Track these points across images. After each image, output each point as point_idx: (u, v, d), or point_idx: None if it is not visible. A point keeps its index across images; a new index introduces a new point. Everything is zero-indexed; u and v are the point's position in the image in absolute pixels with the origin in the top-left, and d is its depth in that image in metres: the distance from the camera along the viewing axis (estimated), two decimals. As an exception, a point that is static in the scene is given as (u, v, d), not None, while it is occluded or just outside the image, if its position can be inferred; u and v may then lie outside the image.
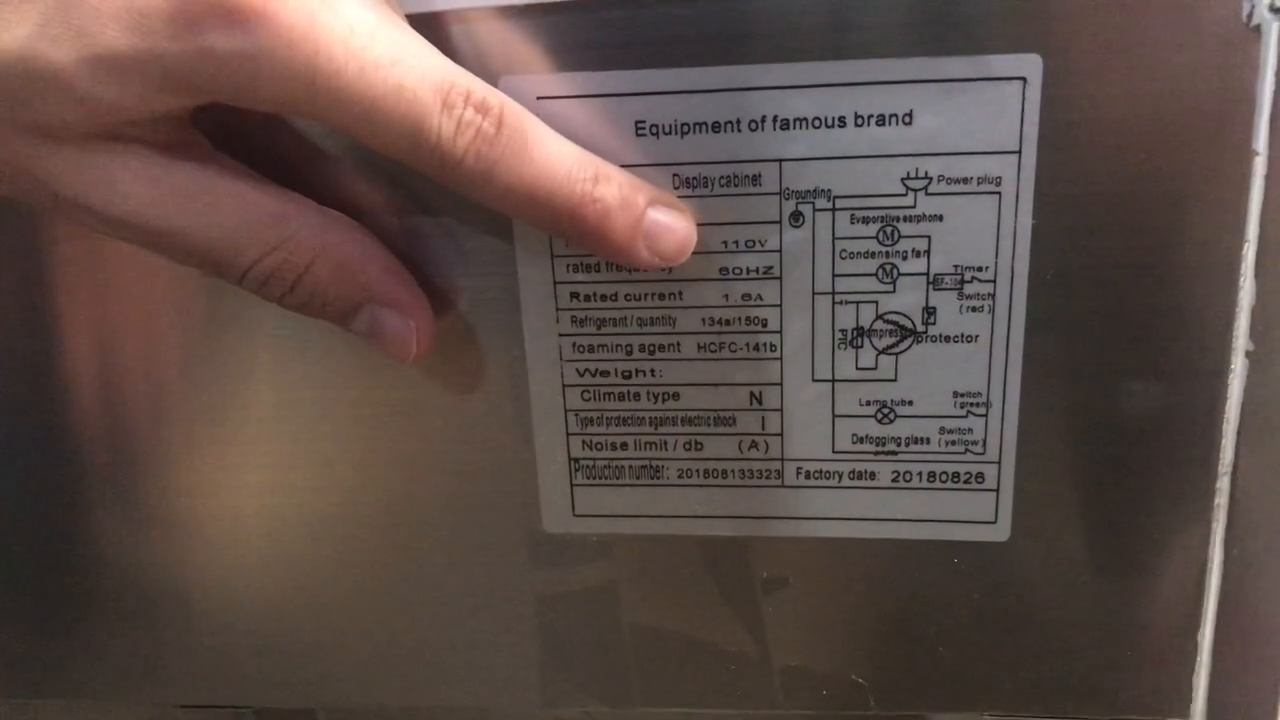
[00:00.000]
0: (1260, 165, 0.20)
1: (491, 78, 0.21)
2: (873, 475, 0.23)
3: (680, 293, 0.22)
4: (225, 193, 0.20)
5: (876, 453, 0.23)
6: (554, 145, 0.20)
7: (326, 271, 0.21)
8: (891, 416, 0.22)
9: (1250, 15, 0.19)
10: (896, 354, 0.22)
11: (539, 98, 0.21)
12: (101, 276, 0.24)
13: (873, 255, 0.21)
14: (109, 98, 0.18)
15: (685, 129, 0.21)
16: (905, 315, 0.22)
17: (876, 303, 0.22)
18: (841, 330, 0.22)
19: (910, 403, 0.22)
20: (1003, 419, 0.22)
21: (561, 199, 0.20)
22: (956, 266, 0.21)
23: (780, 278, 0.22)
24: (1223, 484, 0.22)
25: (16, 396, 0.25)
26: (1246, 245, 0.21)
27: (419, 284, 0.22)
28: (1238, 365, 0.21)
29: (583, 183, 0.20)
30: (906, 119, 0.20)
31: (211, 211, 0.20)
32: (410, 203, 0.22)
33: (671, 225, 0.21)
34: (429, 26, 0.20)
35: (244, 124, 0.21)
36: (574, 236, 0.20)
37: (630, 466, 0.24)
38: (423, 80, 0.18)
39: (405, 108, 0.18)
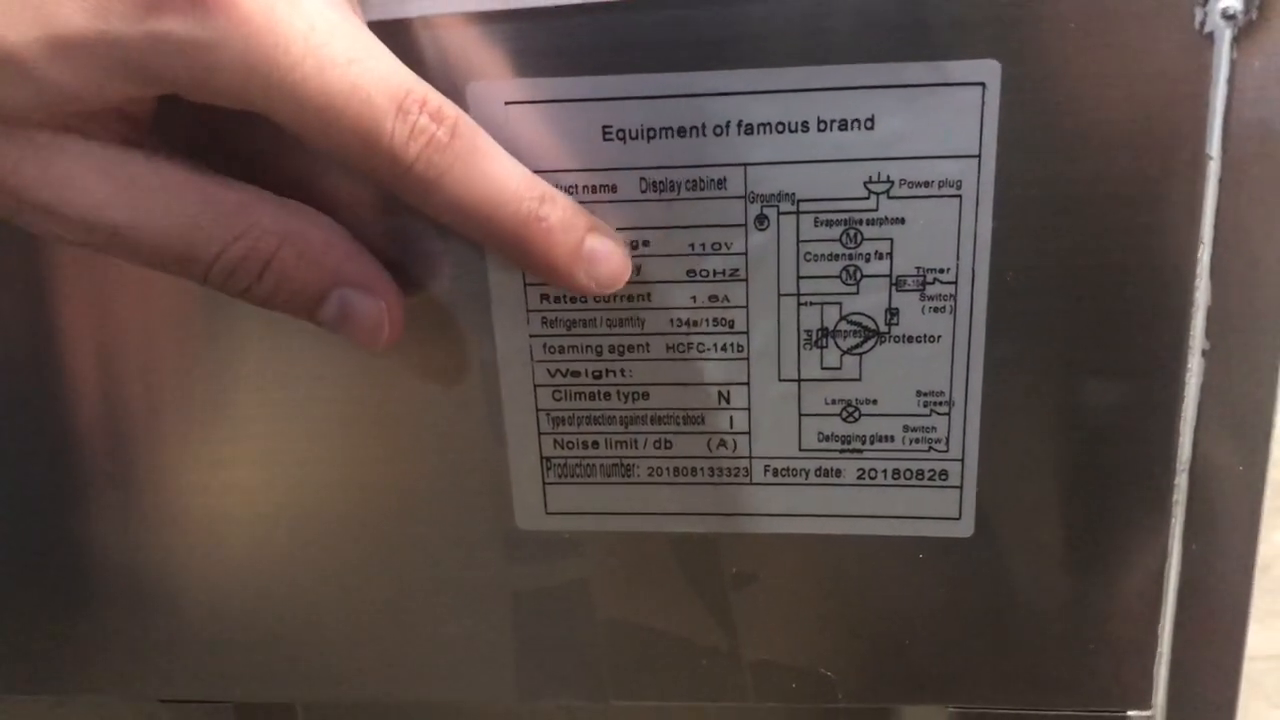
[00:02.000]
0: (1214, 169, 0.20)
1: (460, 83, 0.21)
2: (839, 473, 0.23)
3: (649, 294, 0.22)
4: (185, 185, 0.20)
5: (842, 450, 0.23)
6: (504, 162, 0.20)
7: (292, 256, 0.20)
8: (856, 415, 0.23)
9: (1203, 23, 0.19)
10: (860, 354, 0.22)
11: (507, 102, 0.21)
12: (97, 276, 0.24)
13: (836, 257, 0.22)
14: (65, 81, 0.18)
15: (651, 134, 0.21)
16: (869, 316, 0.22)
17: (840, 304, 0.22)
18: (807, 331, 0.22)
19: (874, 401, 0.23)
20: (965, 417, 0.23)
21: (508, 214, 0.20)
22: (918, 268, 0.22)
23: (746, 280, 0.22)
24: (1181, 480, 0.23)
25: (7, 393, 0.25)
26: (1201, 247, 0.21)
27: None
28: (1194, 364, 0.22)
29: (529, 200, 0.20)
30: (868, 123, 0.21)
31: (172, 204, 0.19)
32: (380, 206, 0.22)
33: (610, 253, 0.21)
34: (398, 32, 0.21)
35: (209, 125, 0.21)
36: (516, 254, 0.21)
37: (601, 465, 0.24)
38: (380, 82, 0.19)
39: (360, 107, 0.18)
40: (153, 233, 0.19)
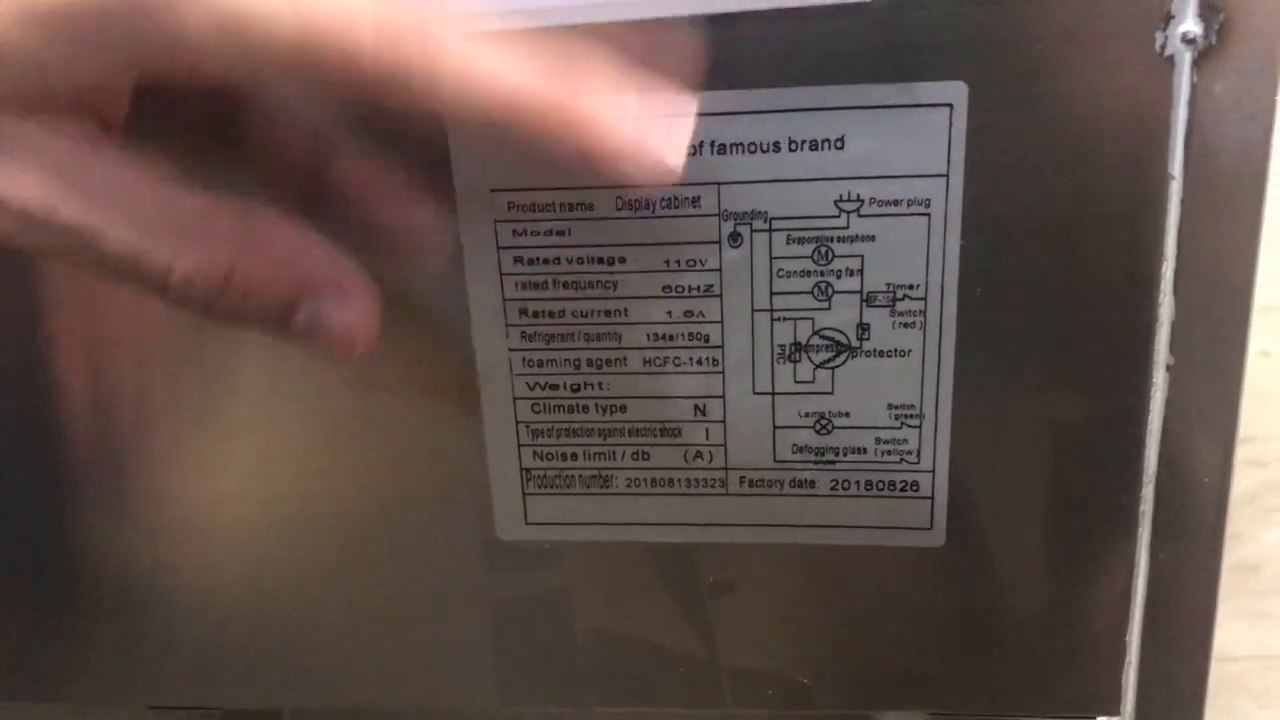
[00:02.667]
0: (1176, 188, 0.21)
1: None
2: (812, 484, 0.24)
3: (625, 309, 0.23)
4: (144, 191, 0.19)
5: (816, 462, 0.24)
6: (498, 44, 0.18)
7: (258, 264, 0.19)
8: (829, 428, 0.23)
9: (1164, 46, 0.20)
10: (833, 368, 0.23)
11: (486, 123, 0.22)
12: (90, 282, 0.24)
13: (808, 274, 0.22)
14: (27, 51, 0.17)
15: (627, 153, 0.22)
16: (840, 331, 0.23)
17: (813, 319, 0.23)
18: (780, 345, 0.23)
19: (847, 414, 0.23)
20: (935, 430, 0.23)
21: (533, 87, 0.18)
22: (889, 284, 0.22)
23: (720, 295, 0.23)
24: (1147, 491, 0.23)
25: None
26: (1165, 264, 0.21)
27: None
28: (1159, 378, 0.22)
29: (554, 74, 0.18)
30: (839, 144, 0.21)
31: (130, 210, 0.19)
32: (359, 218, 0.23)
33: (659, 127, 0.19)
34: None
35: (185, 127, 0.21)
36: (558, 132, 0.18)
37: (580, 476, 0.24)
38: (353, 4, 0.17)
39: (339, 28, 0.17)
40: (106, 239, 0.18)
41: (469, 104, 0.18)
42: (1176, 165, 0.21)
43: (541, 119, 0.18)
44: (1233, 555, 0.65)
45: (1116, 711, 0.25)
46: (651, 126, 0.19)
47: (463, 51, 0.18)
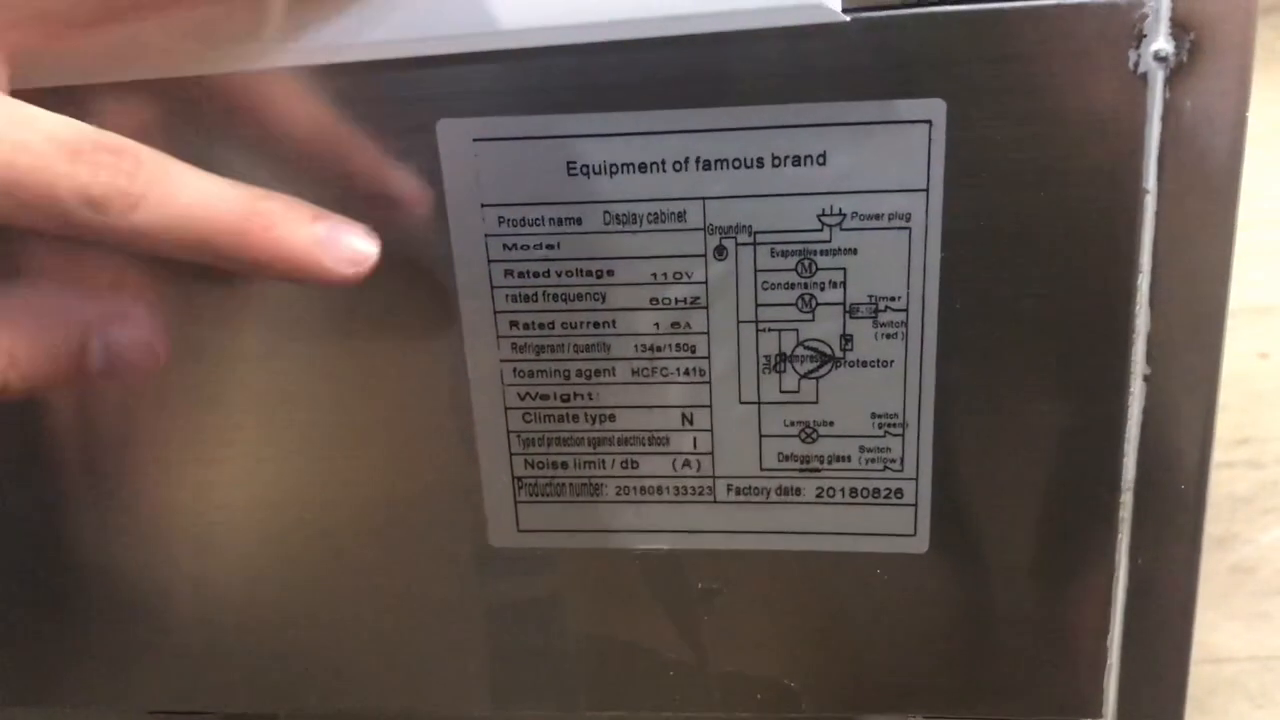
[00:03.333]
0: (1150, 202, 0.21)
1: (429, 120, 0.22)
2: (798, 491, 0.24)
3: (613, 321, 0.23)
4: None
5: (801, 470, 0.24)
6: (204, 175, 0.20)
7: (25, 339, 0.20)
8: (814, 436, 0.24)
9: (1137, 64, 0.20)
10: (817, 378, 0.23)
11: (475, 139, 0.22)
12: None
13: (792, 286, 0.23)
14: None
15: (614, 169, 0.22)
16: (824, 342, 0.23)
17: (797, 330, 0.23)
18: (765, 356, 0.23)
19: (831, 423, 0.24)
20: (919, 438, 0.23)
21: (224, 218, 0.19)
22: (871, 296, 0.23)
23: (707, 307, 0.23)
24: (1126, 499, 0.24)
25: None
26: (1140, 275, 0.22)
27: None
28: (1136, 388, 0.23)
29: (242, 201, 0.20)
30: (821, 159, 0.22)
31: None
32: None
33: (348, 237, 0.20)
34: (367, 72, 0.22)
35: None
36: (245, 255, 0.20)
37: (571, 484, 0.25)
38: (48, 139, 0.18)
39: (34, 161, 0.18)
40: None
41: (169, 244, 0.19)
42: (1151, 179, 0.21)
43: (233, 248, 0.19)
44: (1230, 556, 0.65)
45: (1099, 714, 0.25)
46: (333, 228, 0.20)
47: (161, 190, 0.19)
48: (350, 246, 0.20)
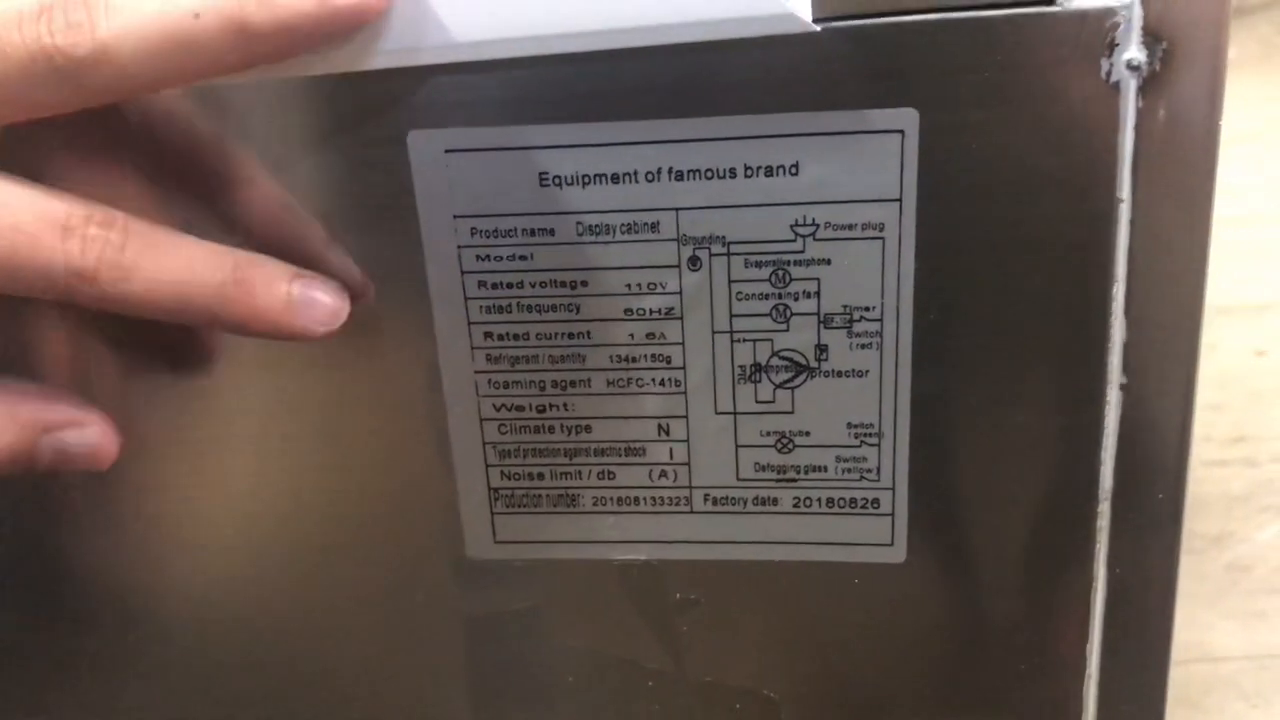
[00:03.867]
0: (1125, 211, 0.21)
1: (400, 132, 0.22)
2: (775, 501, 0.24)
3: (588, 332, 0.23)
4: None
5: (778, 480, 0.24)
6: (188, 241, 0.21)
7: None
8: (790, 446, 0.24)
9: (1109, 73, 0.20)
10: (793, 388, 0.23)
11: (447, 150, 0.22)
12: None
13: (766, 296, 0.23)
14: None
15: (586, 180, 0.22)
16: (799, 352, 0.23)
17: (772, 340, 0.23)
18: (741, 366, 0.23)
19: (807, 433, 0.24)
20: (894, 448, 0.23)
21: (208, 284, 0.20)
22: (845, 306, 0.22)
23: (681, 318, 0.23)
24: (1104, 508, 0.23)
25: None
26: (1116, 285, 0.22)
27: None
28: (1113, 397, 0.23)
29: (224, 268, 0.21)
30: (793, 169, 0.22)
31: None
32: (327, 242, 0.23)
33: (319, 297, 0.21)
34: (338, 84, 0.21)
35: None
36: (225, 319, 0.21)
37: (547, 495, 0.25)
38: (36, 220, 0.19)
39: (27, 240, 0.19)
40: None
41: (157, 309, 0.20)
42: (1125, 188, 0.21)
43: (214, 313, 0.21)
44: (1225, 555, 0.65)
45: (1079, 722, 0.25)
46: (307, 288, 0.21)
47: (150, 261, 0.20)
48: (323, 307, 0.22)
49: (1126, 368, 0.22)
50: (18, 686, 0.29)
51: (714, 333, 0.23)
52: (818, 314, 0.23)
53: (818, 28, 0.20)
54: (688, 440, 0.24)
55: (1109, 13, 0.20)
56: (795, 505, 0.24)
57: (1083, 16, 0.20)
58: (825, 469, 0.24)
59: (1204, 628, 0.62)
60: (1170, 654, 0.25)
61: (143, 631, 0.28)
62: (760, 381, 0.23)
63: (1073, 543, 0.24)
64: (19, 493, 0.27)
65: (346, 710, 0.28)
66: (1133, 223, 0.21)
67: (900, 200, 0.22)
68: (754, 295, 0.23)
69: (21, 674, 0.29)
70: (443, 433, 0.24)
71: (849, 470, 0.24)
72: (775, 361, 0.23)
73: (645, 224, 0.22)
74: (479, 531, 0.25)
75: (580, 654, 0.26)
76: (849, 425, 0.23)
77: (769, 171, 0.22)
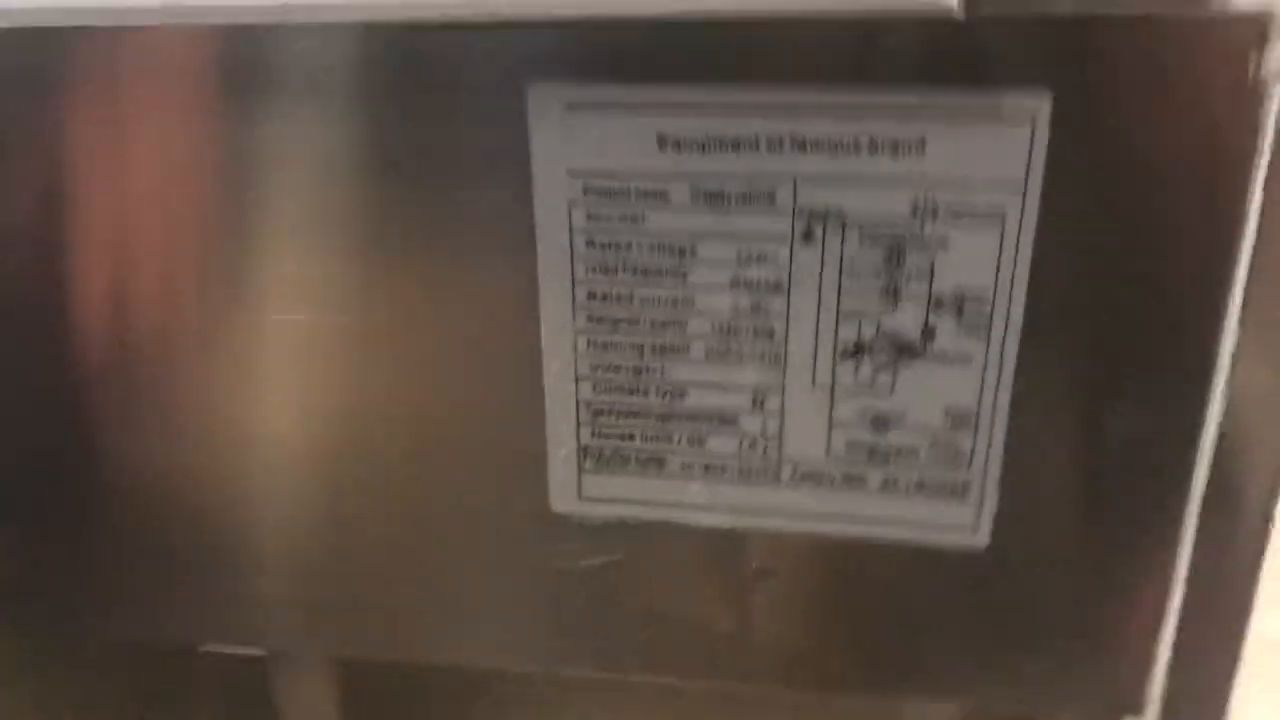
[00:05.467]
0: (1254, 215, 0.21)
1: (522, 85, 0.22)
2: (863, 480, 0.24)
3: (693, 299, 0.23)
4: None
5: (868, 459, 0.24)
6: None
7: None
8: (885, 427, 0.24)
9: (1255, 77, 0.20)
10: (894, 369, 0.23)
11: (568, 105, 0.22)
12: (114, 217, 0.25)
13: (878, 275, 0.22)
14: None
15: (706, 145, 0.22)
16: (905, 334, 0.23)
17: (878, 320, 0.23)
18: (844, 343, 0.23)
19: (903, 415, 0.24)
20: (990, 436, 0.23)
21: None
22: (957, 292, 0.22)
23: (788, 291, 0.23)
24: (1192, 511, 0.23)
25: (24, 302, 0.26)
26: (1235, 287, 0.21)
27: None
28: (1216, 401, 0.22)
29: None
30: (919, 147, 0.21)
31: None
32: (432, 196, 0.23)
33: None
34: (457, 30, 0.21)
35: None
36: None
37: (636, 457, 0.25)
38: None
39: None
40: None
41: None
42: (1257, 192, 0.21)
43: None
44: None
45: (1141, 712, 0.26)
46: None
47: None
48: None
49: (1233, 374, 0.22)
50: (67, 607, 0.29)
51: (820, 308, 0.23)
52: (928, 297, 0.22)
53: (960, 13, 0.20)
54: (781, 413, 0.24)
55: (1262, 17, 0.19)
56: (883, 485, 0.24)
57: (1234, 20, 0.19)
58: (918, 452, 0.24)
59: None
60: (1243, 651, 0.25)
61: (215, 561, 0.28)
62: (861, 360, 0.23)
63: (1156, 543, 0.24)
64: (61, 404, 0.26)
65: (416, 647, 0.28)
66: (1259, 230, 0.21)
67: (1024, 187, 0.21)
68: (865, 273, 0.22)
69: (69, 596, 0.29)
70: (538, 387, 0.24)
71: (941, 455, 0.24)
72: (879, 342, 0.23)
73: (762, 193, 0.22)
74: (565, 487, 0.25)
75: (654, 611, 0.27)
76: (946, 410, 0.23)
77: (894, 147, 0.21)
